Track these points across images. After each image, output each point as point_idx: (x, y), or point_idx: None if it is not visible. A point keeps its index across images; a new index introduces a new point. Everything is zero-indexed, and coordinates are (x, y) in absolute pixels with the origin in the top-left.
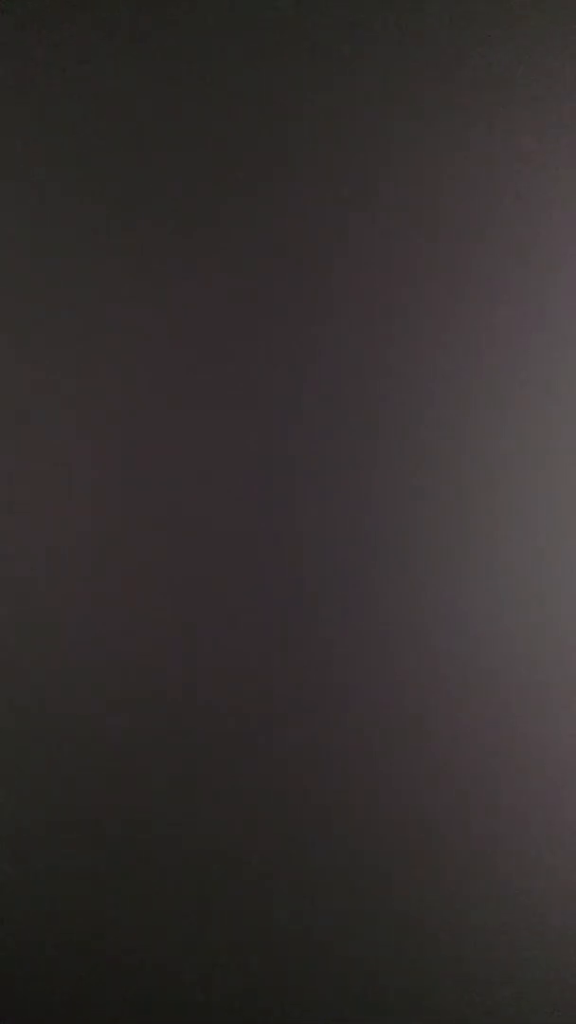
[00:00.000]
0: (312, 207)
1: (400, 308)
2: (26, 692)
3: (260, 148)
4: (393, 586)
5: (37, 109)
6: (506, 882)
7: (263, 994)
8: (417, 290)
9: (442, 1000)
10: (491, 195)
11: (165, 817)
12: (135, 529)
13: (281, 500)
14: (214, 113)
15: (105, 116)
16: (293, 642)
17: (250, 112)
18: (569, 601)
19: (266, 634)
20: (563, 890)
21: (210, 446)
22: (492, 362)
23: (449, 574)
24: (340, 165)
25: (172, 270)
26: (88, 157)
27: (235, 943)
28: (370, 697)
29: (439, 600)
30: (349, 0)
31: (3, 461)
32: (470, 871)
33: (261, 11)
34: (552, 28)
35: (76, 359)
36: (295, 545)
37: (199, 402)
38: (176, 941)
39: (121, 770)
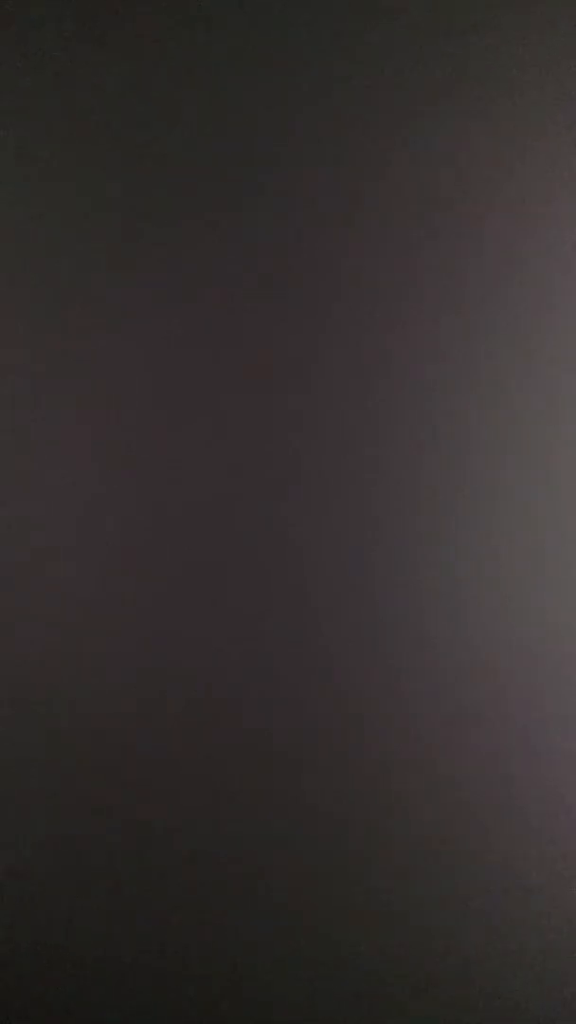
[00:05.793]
0: (312, 210)
1: (401, 311)
2: (24, 691)
3: (261, 149)
4: (394, 589)
5: (37, 111)
6: (507, 881)
7: (262, 995)
8: (418, 293)
9: (443, 1002)
10: (492, 198)
11: (163, 815)
12: (134, 527)
13: (281, 500)
14: (216, 113)
15: (106, 115)
16: (293, 642)
17: (251, 111)
18: (570, 604)
19: (267, 636)
20: (563, 890)
21: (210, 448)
22: (494, 363)
23: (450, 577)
24: (341, 170)
25: (172, 271)
26: (89, 155)
27: (234, 944)
28: (370, 697)
29: (440, 603)
30: (348, 2)
31: (3, 460)
32: (471, 871)
33: (261, 10)
34: (552, 28)
35: (76, 360)
36: (295, 544)
37: (200, 402)
38: (175, 943)
39: (119, 769)
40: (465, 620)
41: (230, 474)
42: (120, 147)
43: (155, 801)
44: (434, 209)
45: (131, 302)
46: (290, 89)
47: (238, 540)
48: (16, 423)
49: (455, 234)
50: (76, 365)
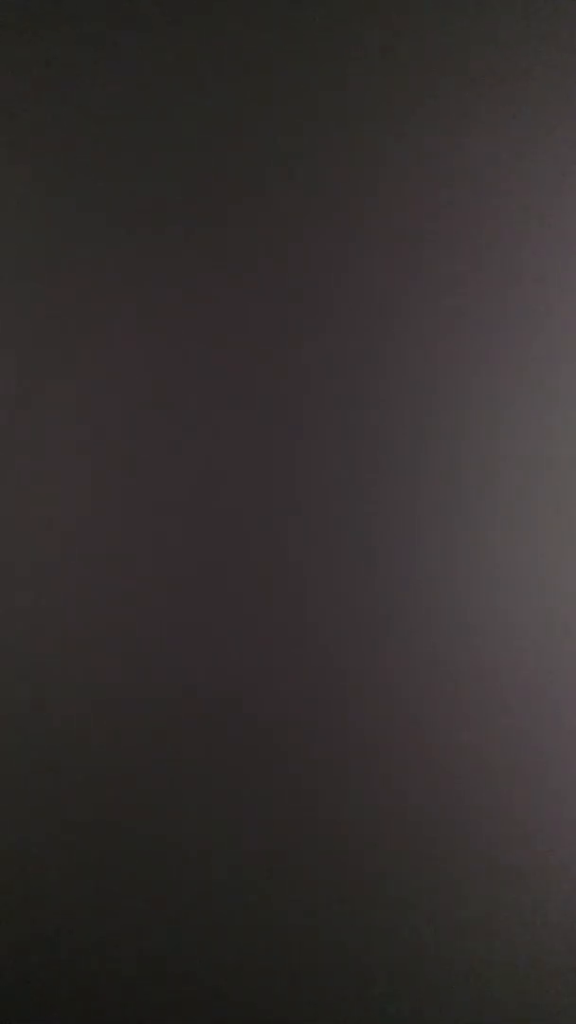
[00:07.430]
0: (311, 215)
1: (402, 312)
2: (24, 692)
3: (259, 154)
4: (394, 594)
5: (37, 111)
6: (507, 882)
7: (262, 996)
8: (419, 294)
9: (443, 1002)
10: (492, 203)
11: (163, 818)
12: (134, 527)
13: (281, 503)
14: (216, 111)
15: (105, 119)
16: (293, 641)
17: (249, 116)
18: (569, 605)
19: (267, 636)
20: (564, 892)
21: (208, 449)
22: (494, 365)
23: (451, 582)
24: (340, 175)
25: (171, 279)
26: (87, 162)
27: (234, 944)
28: (370, 699)
29: (440, 609)
30: (348, 3)
31: (2, 463)
32: (470, 873)
33: (260, 12)
34: (552, 28)
35: (75, 366)
36: (296, 543)
37: (199, 402)
38: (175, 946)
39: (118, 769)
40: (466, 620)
41: (229, 474)
42: (120, 145)
43: (155, 800)
44: (435, 211)
45: (131, 303)
46: (291, 89)
47: (238, 540)
48: (15, 423)
49: (456, 237)
50: (75, 366)
